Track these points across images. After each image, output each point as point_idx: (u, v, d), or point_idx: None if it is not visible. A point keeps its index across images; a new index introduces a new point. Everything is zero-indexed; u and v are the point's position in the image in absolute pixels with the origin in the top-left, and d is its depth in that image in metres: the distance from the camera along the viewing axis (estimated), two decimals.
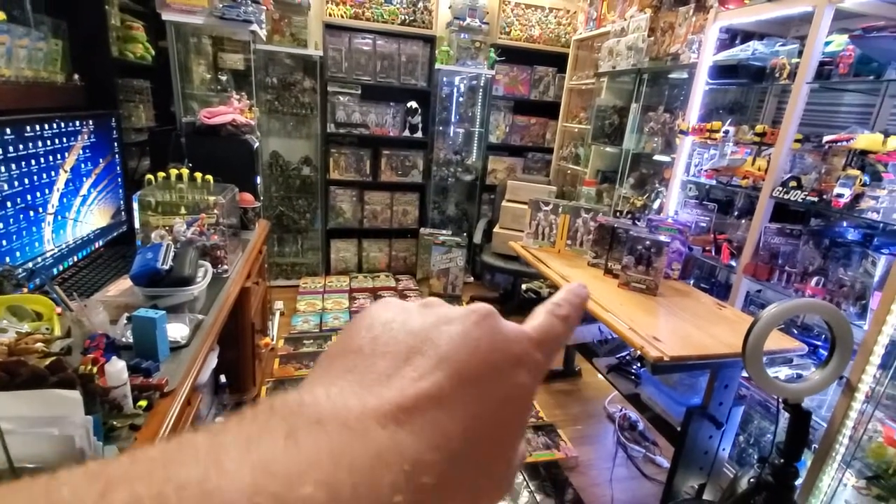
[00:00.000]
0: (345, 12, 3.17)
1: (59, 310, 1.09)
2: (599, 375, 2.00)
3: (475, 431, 0.17)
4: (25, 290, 1.19)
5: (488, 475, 0.18)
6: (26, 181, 1.27)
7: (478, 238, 3.28)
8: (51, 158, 1.38)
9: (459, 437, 0.16)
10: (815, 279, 1.62)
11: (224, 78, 2.48)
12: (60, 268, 1.45)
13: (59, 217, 1.43)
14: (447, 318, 0.19)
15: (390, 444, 0.15)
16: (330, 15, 3.14)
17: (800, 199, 1.64)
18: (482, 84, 3.55)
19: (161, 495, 0.12)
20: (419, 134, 3.46)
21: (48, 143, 1.36)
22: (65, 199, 1.45)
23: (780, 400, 1.10)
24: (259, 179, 2.34)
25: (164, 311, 1.06)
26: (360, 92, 3.35)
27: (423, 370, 0.17)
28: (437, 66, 3.30)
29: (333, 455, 0.14)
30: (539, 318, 0.21)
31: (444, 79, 3.50)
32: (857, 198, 1.47)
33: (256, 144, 2.23)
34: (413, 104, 3.38)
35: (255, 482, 0.13)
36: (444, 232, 3.58)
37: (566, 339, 0.21)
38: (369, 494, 0.14)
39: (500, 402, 0.18)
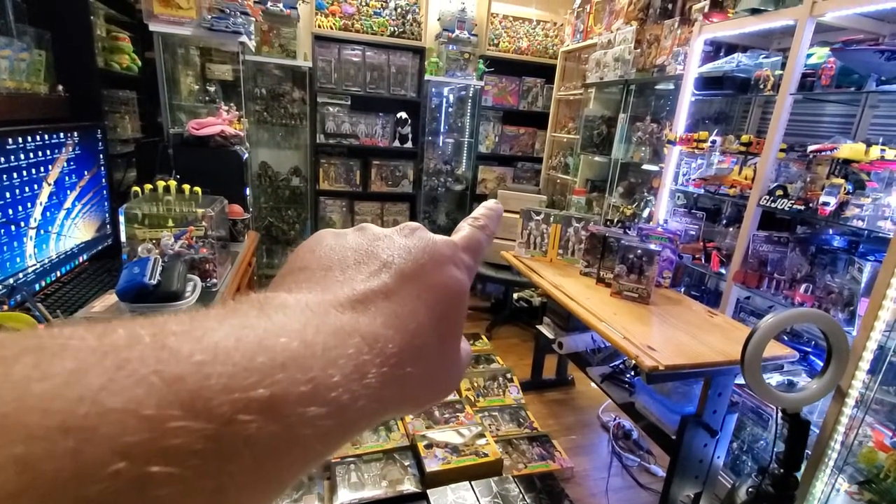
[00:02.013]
0: (334, 24, 3.18)
1: (41, 328, 1.06)
2: (592, 384, 2.00)
3: (421, 314, 0.19)
4: (6, 307, 1.15)
5: (440, 355, 0.20)
6: (8, 195, 1.24)
7: None
8: (34, 171, 1.34)
9: (408, 316, 0.19)
10: (803, 286, 1.65)
11: (212, 89, 2.46)
12: (43, 283, 1.40)
13: (42, 231, 1.39)
14: (382, 235, 0.22)
15: (349, 321, 0.17)
16: (319, 26, 3.14)
17: (787, 208, 1.66)
18: (471, 95, 3.57)
19: (156, 336, 0.14)
20: (409, 144, 3.47)
21: (31, 155, 1.32)
22: (48, 213, 1.41)
23: (779, 409, 1.10)
24: (248, 191, 2.31)
25: None
26: (349, 102, 3.35)
27: (368, 274, 0.20)
28: (427, 77, 3.32)
29: (301, 323, 0.16)
30: (463, 230, 0.25)
31: (434, 89, 3.51)
32: (842, 206, 1.50)
33: (245, 155, 2.21)
34: (403, 115, 3.39)
35: (235, 333, 0.15)
36: None
37: (487, 245, 0.25)
38: (338, 351, 0.16)
39: (438, 292, 0.20)
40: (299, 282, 0.20)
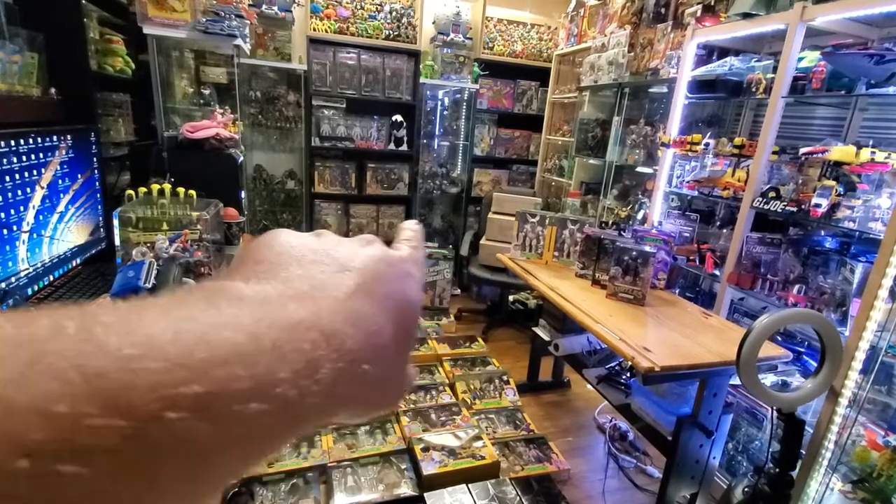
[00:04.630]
0: (329, 27, 3.18)
1: None
2: (589, 386, 2.00)
3: (381, 318, 0.19)
4: None
5: (396, 361, 0.20)
6: (0, 198, 1.23)
7: (464, 250, 3.28)
8: (26, 175, 1.33)
9: (369, 318, 0.19)
10: (796, 287, 1.66)
11: (207, 92, 2.45)
12: (35, 287, 1.39)
13: (35, 235, 1.38)
14: (342, 241, 0.23)
15: (309, 315, 0.17)
16: (314, 30, 3.15)
17: (779, 209, 1.68)
18: (466, 98, 3.58)
19: (83, 327, 0.13)
20: (404, 147, 3.47)
21: (23, 158, 1.31)
22: (41, 217, 1.40)
23: (774, 409, 1.11)
24: (243, 194, 2.30)
25: None
26: (344, 105, 3.35)
27: (329, 274, 0.20)
28: (422, 80, 3.32)
29: (253, 316, 0.15)
30: (404, 248, 0.25)
31: (429, 92, 3.52)
32: (833, 207, 1.52)
33: (240, 158, 2.20)
34: (398, 117, 3.39)
35: (175, 326, 0.14)
36: (430, 244, 3.57)
37: (423, 260, 0.26)
38: (291, 347, 0.15)
39: (398, 301, 0.21)
40: (258, 273, 0.19)
